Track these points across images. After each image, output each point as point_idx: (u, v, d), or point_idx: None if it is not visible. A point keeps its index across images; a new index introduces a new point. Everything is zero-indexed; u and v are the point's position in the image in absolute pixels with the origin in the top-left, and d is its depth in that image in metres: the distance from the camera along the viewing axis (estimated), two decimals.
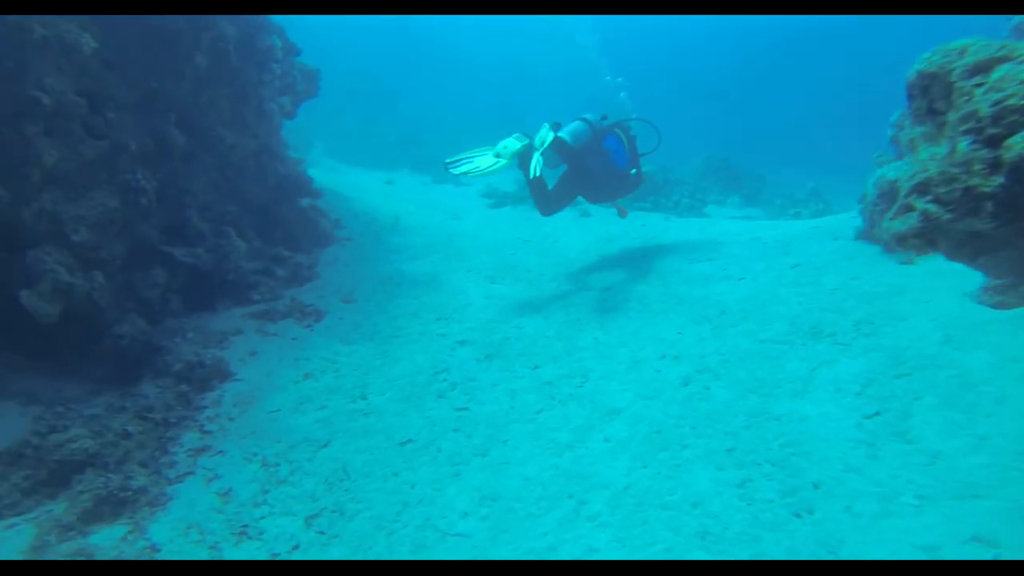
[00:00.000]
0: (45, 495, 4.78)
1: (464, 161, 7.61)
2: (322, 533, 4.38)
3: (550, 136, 7.52)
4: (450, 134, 25.23)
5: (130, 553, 4.28)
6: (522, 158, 7.57)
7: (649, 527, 4.04)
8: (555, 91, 31.36)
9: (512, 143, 7.57)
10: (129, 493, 4.71)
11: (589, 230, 11.38)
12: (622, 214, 9.64)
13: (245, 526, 4.49)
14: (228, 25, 8.30)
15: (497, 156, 7.49)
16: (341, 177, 16.34)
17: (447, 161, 7.75)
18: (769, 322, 6.39)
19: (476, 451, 5.16)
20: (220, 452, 5.32)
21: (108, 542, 4.38)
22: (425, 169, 21.68)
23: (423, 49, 39.50)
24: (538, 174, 7.31)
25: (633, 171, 8.67)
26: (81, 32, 6.21)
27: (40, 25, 5.72)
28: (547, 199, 8.22)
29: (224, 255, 7.87)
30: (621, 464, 4.78)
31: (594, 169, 8.22)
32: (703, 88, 40.07)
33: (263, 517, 4.55)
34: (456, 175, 7.66)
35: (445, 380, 6.21)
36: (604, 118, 8.59)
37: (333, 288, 8.50)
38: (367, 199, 13.42)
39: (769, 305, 6.77)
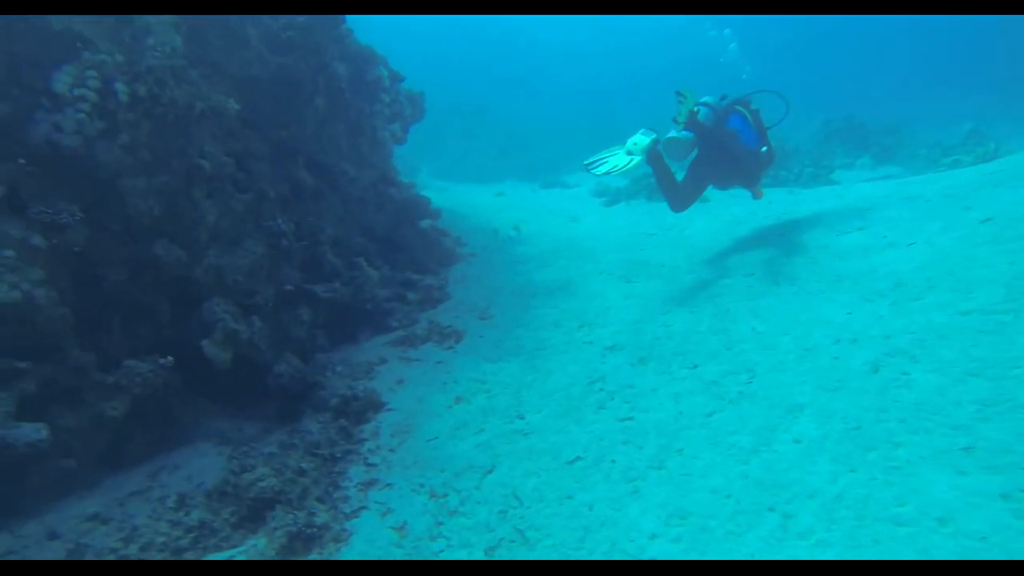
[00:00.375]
0: (248, 530, 4.94)
1: (600, 162, 7.34)
2: None
3: (682, 117, 7.12)
4: (550, 138, 25.05)
5: None
6: (651, 155, 7.18)
7: (885, 546, 3.46)
8: (650, 83, 30.34)
9: (641, 139, 7.20)
10: (315, 529, 4.75)
11: (713, 215, 10.65)
12: (757, 196, 8.92)
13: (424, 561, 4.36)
14: (339, 64, 8.51)
15: (629, 153, 7.16)
16: (452, 195, 16.53)
17: (586, 163, 7.49)
18: (970, 290, 5.50)
19: (651, 463, 4.77)
20: (388, 485, 5.26)
21: None
22: (531, 176, 21.61)
23: (509, 56, 39.73)
24: (662, 152, 7.00)
25: (764, 148, 7.96)
26: (227, 98, 6.54)
27: (199, 100, 6.06)
28: (678, 193, 7.72)
29: (359, 286, 8.00)
30: (822, 468, 4.21)
31: (724, 153, 7.61)
32: (810, 45, 37.25)
33: (442, 551, 4.41)
34: (598, 176, 7.38)
35: (602, 390, 5.87)
36: (724, 97, 7.99)
37: (467, 306, 8.43)
38: (482, 213, 13.42)
39: (962, 270, 5.85)
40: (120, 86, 5.51)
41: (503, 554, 4.26)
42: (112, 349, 5.86)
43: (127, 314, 6.11)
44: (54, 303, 5.20)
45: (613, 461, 4.86)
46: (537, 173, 21.65)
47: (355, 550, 4.60)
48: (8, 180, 5.15)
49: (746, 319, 6.52)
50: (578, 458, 5.01)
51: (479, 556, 4.30)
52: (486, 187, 19.67)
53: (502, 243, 10.92)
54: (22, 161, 5.26)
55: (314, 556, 4.63)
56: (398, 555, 4.47)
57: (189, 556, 4.73)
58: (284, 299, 7.30)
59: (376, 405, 6.35)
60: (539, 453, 5.23)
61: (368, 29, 10.66)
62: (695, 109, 7.47)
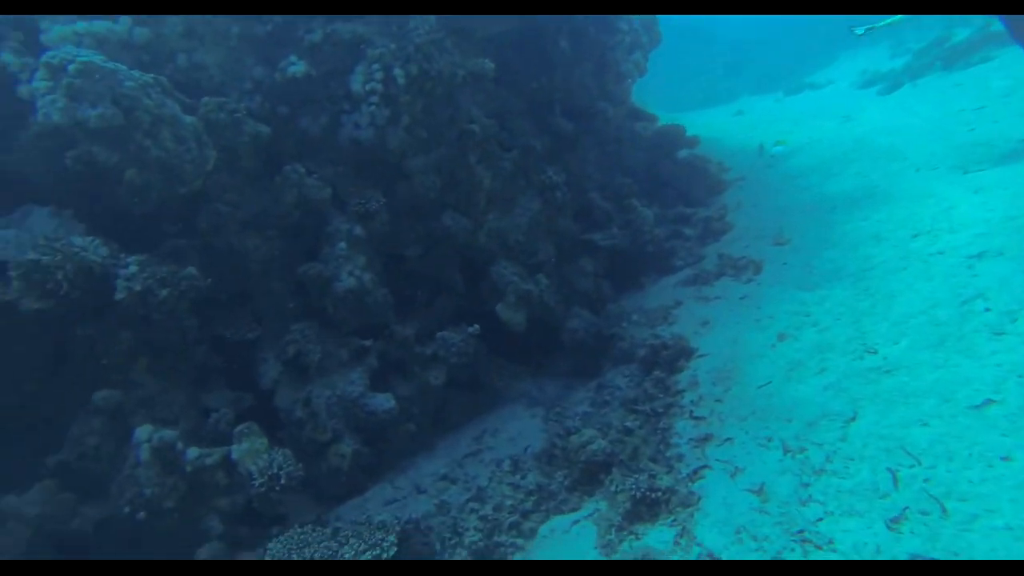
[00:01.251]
0: (583, 492, 4.67)
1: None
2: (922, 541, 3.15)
3: None
4: (776, 46, 21.64)
5: (689, 557, 3.71)
6: None
7: None
8: None
9: None
10: (659, 493, 4.22)
11: None
12: None
13: (801, 531, 3.53)
14: None
15: None
16: (691, 122, 14.93)
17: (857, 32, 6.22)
18: None
19: None
20: (727, 440, 4.53)
21: (663, 544, 3.90)
22: (767, 88, 18.86)
23: None
24: None
25: None
26: (482, 60, 6.24)
27: (460, 68, 5.82)
28: None
29: (637, 229, 7.29)
30: None
31: None
32: None
33: (819, 519, 3.54)
34: (859, 35, 6.56)
35: (988, 310, 4.39)
36: None
37: (754, 233, 7.24)
38: (733, 134, 11.78)
39: None
40: (397, 71, 5.42)
41: (915, 529, 3.25)
42: (422, 322, 5.98)
43: (427, 287, 6.20)
44: (377, 285, 5.37)
45: None
46: (773, 83, 18.78)
47: (712, 516, 3.96)
48: (331, 182, 5.38)
49: None
50: (989, 401, 3.72)
51: (879, 530, 3.34)
52: (719, 109, 17.55)
53: (770, 160, 9.34)
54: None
55: (664, 521, 4.10)
56: (765, 523, 3.71)
57: (534, 519, 4.56)
58: (564, 253, 6.91)
59: (686, 352, 5.63)
60: (918, 395, 4.04)
61: None
62: None
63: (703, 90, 21.22)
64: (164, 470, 4.15)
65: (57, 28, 4.88)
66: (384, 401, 4.97)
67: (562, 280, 6.85)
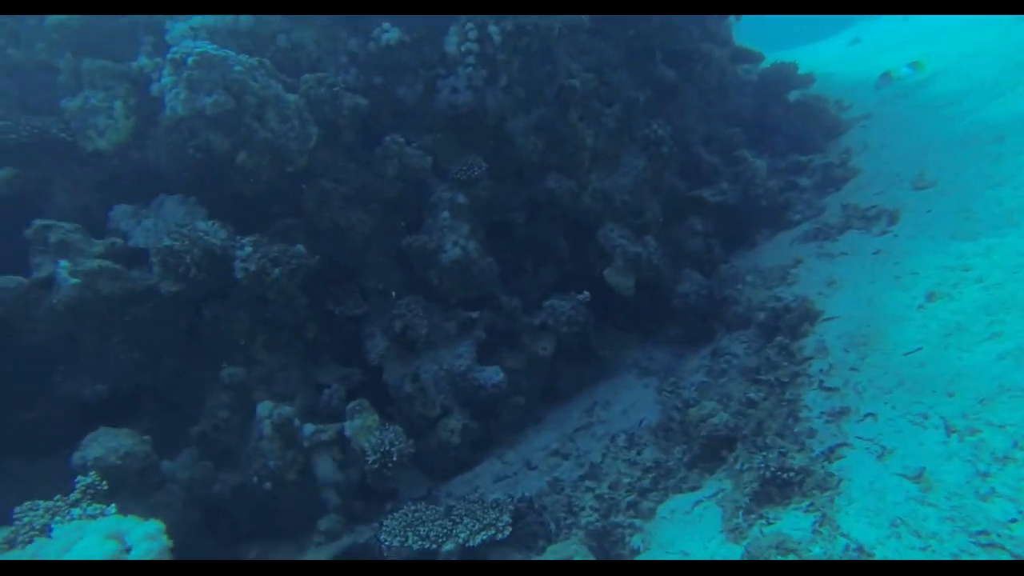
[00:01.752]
0: (704, 469, 4.28)
1: None
2: None
3: None
4: None
5: (833, 551, 3.23)
6: None
7: None
8: None
9: None
10: (792, 474, 3.73)
11: None
12: None
13: (985, 532, 2.92)
14: None
15: None
16: (800, 58, 13.38)
17: None
18: None
19: None
20: (869, 415, 3.93)
21: (799, 532, 3.43)
22: None
23: None
24: None
25: None
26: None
27: (557, 22, 5.31)
28: None
29: (748, 182, 6.55)
30: None
31: None
32: None
33: (1012, 520, 2.91)
34: None
35: None
36: None
37: (887, 177, 6.28)
38: (852, 66, 10.37)
39: None
40: (492, 27, 5.02)
41: None
42: (528, 291, 5.68)
43: (533, 254, 5.87)
44: (482, 254, 5.11)
45: None
46: None
47: (858, 503, 3.42)
48: (431, 150, 5.13)
49: None
50: None
51: None
52: (831, 40, 15.56)
53: (903, 90, 8.06)
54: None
55: (799, 506, 3.62)
56: (931, 516, 3.13)
57: (652, 498, 4.21)
58: (671, 212, 6.32)
59: (811, 315, 4.97)
60: None
61: None
62: None
63: (811, 18, 18.97)
64: (284, 444, 4.20)
65: (177, 25, 5.01)
66: (493, 374, 4.76)
67: (670, 241, 6.29)
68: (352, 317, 4.93)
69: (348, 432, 4.27)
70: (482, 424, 4.86)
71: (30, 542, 2.92)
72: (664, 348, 5.94)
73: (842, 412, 4.09)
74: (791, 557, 3.20)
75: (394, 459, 4.04)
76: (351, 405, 4.33)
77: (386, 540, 3.71)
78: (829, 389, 4.32)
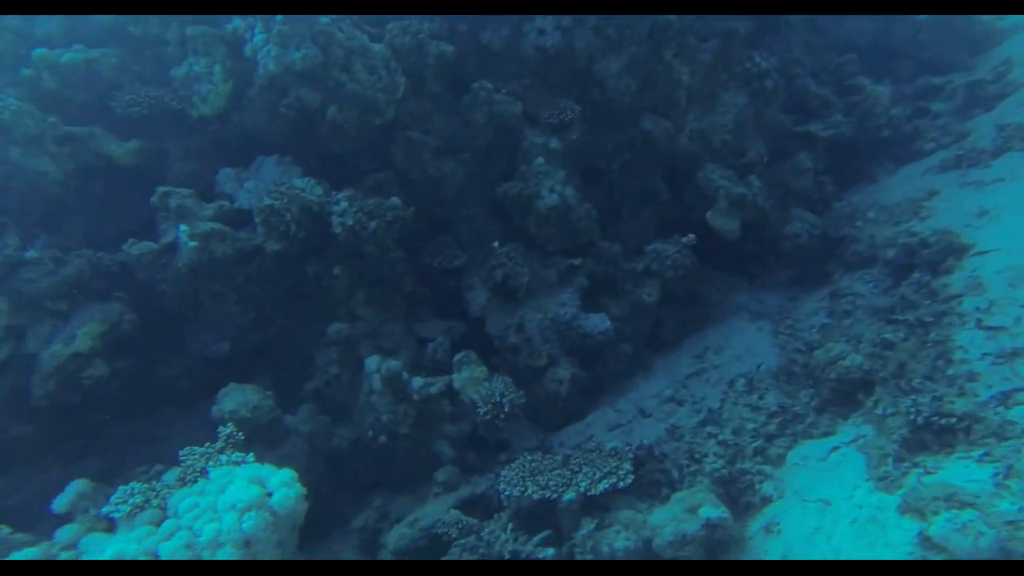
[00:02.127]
0: (835, 414, 3.88)
1: None
2: None
3: None
4: None
5: None
6: None
7: None
8: None
9: None
10: (952, 419, 3.27)
11: None
12: None
13: None
14: None
15: None
16: None
17: None
18: None
19: None
20: None
21: (973, 483, 2.99)
22: None
23: None
24: None
25: None
26: None
27: None
28: None
29: (866, 112, 5.85)
30: None
31: None
32: None
33: None
34: None
35: None
36: None
37: None
38: None
39: None
40: None
41: None
42: (627, 237, 5.33)
43: (631, 199, 5.48)
44: (579, 200, 4.80)
45: None
46: None
47: None
48: (520, 96, 4.86)
49: None
50: None
51: None
52: None
53: None
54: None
55: (967, 456, 3.16)
56: None
57: (780, 444, 3.83)
58: (777, 150, 5.74)
59: (957, 249, 4.36)
60: None
61: None
62: None
63: None
64: (395, 398, 4.11)
65: None
66: (599, 322, 4.49)
67: (776, 180, 5.73)
68: (449, 269, 4.77)
69: (457, 384, 4.14)
70: (589, 373, 4.61)
71: (194, 482, 3.29)
72: (774, 291, 5.46)
73: (1015, 353, 3.54)
74: (968, 512, 2.77)
75: (506, 410, 3.88)
76: (458, 357, 4.19)
77: (505, 490, 3.55)
78: (992, 328, 3.76)
